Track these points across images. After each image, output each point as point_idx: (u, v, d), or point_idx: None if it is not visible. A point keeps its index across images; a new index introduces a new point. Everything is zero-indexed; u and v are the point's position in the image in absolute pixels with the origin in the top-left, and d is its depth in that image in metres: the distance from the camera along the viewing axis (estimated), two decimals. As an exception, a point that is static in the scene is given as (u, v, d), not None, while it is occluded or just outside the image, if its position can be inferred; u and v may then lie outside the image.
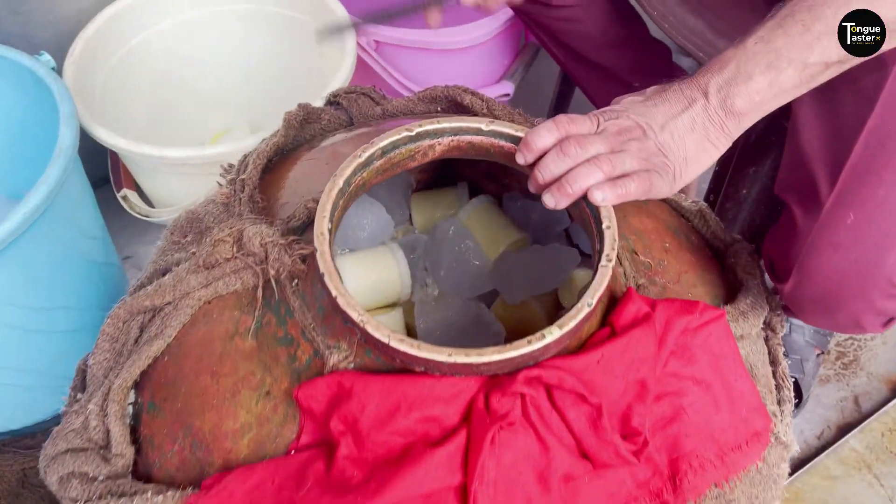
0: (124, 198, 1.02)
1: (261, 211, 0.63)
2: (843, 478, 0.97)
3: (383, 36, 1.11)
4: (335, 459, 0.47)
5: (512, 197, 0.74)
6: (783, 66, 0.53)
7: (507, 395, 0.46)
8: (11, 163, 1.00)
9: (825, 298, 0.65)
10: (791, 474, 0.91)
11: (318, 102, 0.80)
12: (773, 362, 0.66)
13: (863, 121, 0.59)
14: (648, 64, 0.97)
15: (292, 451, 0.50)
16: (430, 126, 0.58)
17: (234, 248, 0.57)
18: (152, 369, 0.57)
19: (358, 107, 0.78)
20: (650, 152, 0.54)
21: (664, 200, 0.71)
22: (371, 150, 0.56)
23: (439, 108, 0.78)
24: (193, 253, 0.60)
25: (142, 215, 1.00)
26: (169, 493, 0.49)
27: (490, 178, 0.75)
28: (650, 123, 0.55)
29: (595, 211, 0.53)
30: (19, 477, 0.93)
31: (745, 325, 0.61)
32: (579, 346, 0.51)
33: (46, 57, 0.91)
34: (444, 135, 0.59)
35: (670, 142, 0.54)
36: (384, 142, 0.57)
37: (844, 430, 1.02)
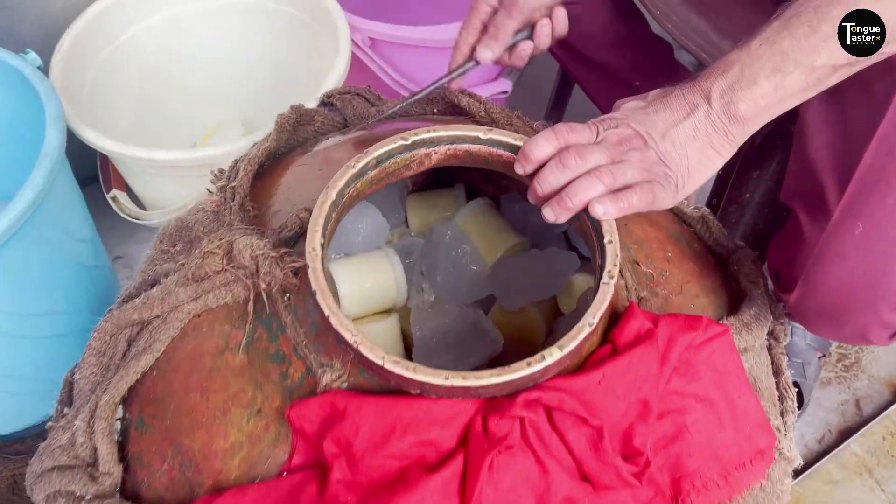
0: (114, 199, 1.00)
1: (252, 220, 0.61)
2: (844, 482, 0.96)
3: (378, 33, 1.09)
4: (328, 483, 0.46)
5: (510, 199, 0.73)
6: (789, 70, 0.51)
7: (506, 417, 0.45)
8: (-1, 162, 0.99)
9: (831, 310, 0.64)
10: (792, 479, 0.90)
11: (312, 103, 0.78)
12: (777, 372, 0.65)
13: (873, 127, 0.57)
14: (649, 62, 0.96)
15: (284, 473, 0.49)
16: (425, 135, 0.56)
17: (224, 261, 0.55)
18: (140, 384, 0.56)
19: (352, 108, 0.76)
20: (651, 162, 0.53)
21: (666, 207, 0.70)
22: (365, 160, 0.54)
23: (436, 110, 0.76)
24: (182, 264, 0.59)
25: (132, 217, 0.99)
26: (158, 515, 0.48)
27: (488, 179, 0.74)
28: (650, 132, 0.53)
29: (596, 224, 0.51)
30: (9, 483, 0.92)
31: (749, 338, 0.59)
32: (580, 364, 0.50)
33: (32, 55, 0.89)
34: (441, 143, 0.57)
35: (672, 151, 0.53)
36: (378, 151, 0.55)
37: (845, 433, 1.01)
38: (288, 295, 0.54)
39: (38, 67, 0.88)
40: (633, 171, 0.51)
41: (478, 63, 0.72)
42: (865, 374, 1.08)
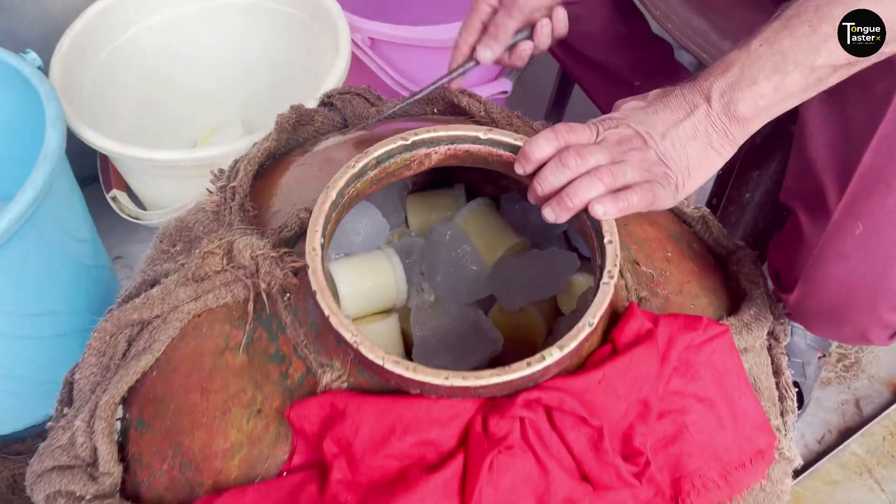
0: (114, 199, 1.00)
1: (252, 220, 0.61)
2: (844, 482, 0.96)
3: (378, 33, 1.08)
4: (328, 483, 0.46)
5: (510, 198, 0.73)
6: (789, 70, 0.51)
7: (506, 417, 0.45)
8: (-1, 162, 0.99)
9: (831, 310, 0.64)
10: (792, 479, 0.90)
11: (312, 103, 0.78)
12: (777, 372, 0.65)
13: (873, 127, 0.57)
14: (649, 62, 0.96)
15: (284, 473, 0.49)
16: (425, 135, 0.56)
17: (224, 261, 0.55)
18: (140, 385, 0.56)
19: (352, 108, 0.76)
20: (651, 162, 0.53)
21: (666, 207, 0.70)
22: (365, 160, 0.54)
23: (436, 110, 0.76)
24: (182, 264, 0.59)
25: (132, 217, 0.99)
26: (158, 516, 0.48)
27: (488, 179, 0.74)
28: (650, 132, 0.53)
29: (596, 224, 0.51)
30: (9, 483, 0.92)
31: (749, 338, 0.59)
32: (580, 364, 0.50)
33: (32, 55, 0.89)
34: (441, 143, 0.57)
35: (672, 151, 0.53)
36: (378, 151, 0.55)
37: (845, 433, 1.01)
38: (288, 295, 0.54)
39: (38, 67, 0.88)
40: (633, 171, 0.51)
41: (478, 63, 0.72)
42: (865, 374, 1.08)
